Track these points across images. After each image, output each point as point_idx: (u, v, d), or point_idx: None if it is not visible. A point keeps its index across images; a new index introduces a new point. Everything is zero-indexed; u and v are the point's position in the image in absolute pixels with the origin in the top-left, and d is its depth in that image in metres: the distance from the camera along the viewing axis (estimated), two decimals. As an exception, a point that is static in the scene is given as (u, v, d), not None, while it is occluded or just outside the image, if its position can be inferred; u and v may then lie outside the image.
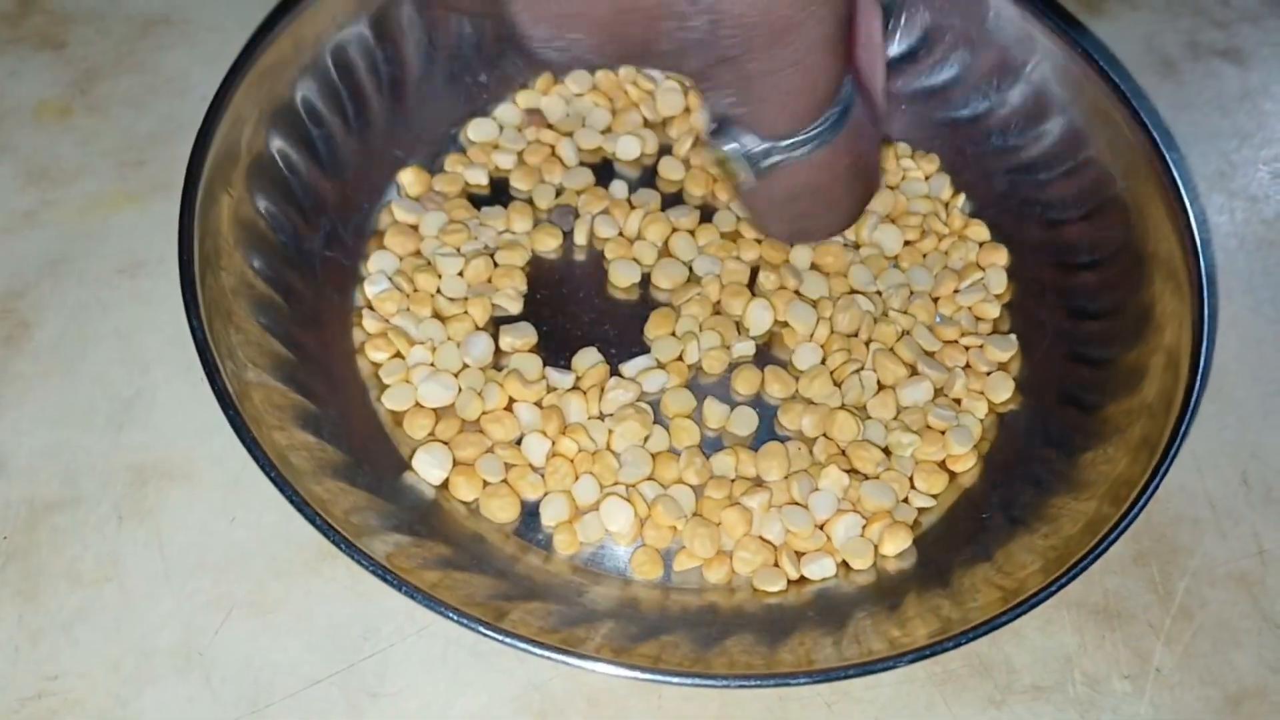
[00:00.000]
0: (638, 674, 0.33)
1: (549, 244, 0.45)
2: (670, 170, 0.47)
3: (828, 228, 0.37)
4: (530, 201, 0.46)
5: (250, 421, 0.35)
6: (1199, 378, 0.38)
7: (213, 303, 0.37)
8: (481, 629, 0.33)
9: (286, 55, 0.42)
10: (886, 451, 0.41)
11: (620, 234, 0.45)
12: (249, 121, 0.41)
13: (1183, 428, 0.37)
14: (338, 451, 0.38)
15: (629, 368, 0.42)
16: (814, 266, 0.45)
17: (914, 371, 0.43)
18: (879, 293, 0.44)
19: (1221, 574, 0.41)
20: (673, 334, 0.43)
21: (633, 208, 0.45)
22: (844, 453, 0.41)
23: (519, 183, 0.46)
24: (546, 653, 0.33)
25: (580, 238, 0.45)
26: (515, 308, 0.43)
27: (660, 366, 0.42)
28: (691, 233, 0.45)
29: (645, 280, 0.44)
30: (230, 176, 0.40)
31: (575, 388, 0.42)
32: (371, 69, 0.45)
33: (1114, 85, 0.44)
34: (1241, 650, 0.39)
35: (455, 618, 0.33)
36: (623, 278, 0.44)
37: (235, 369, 0.36)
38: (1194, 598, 0.40)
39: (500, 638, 0.33)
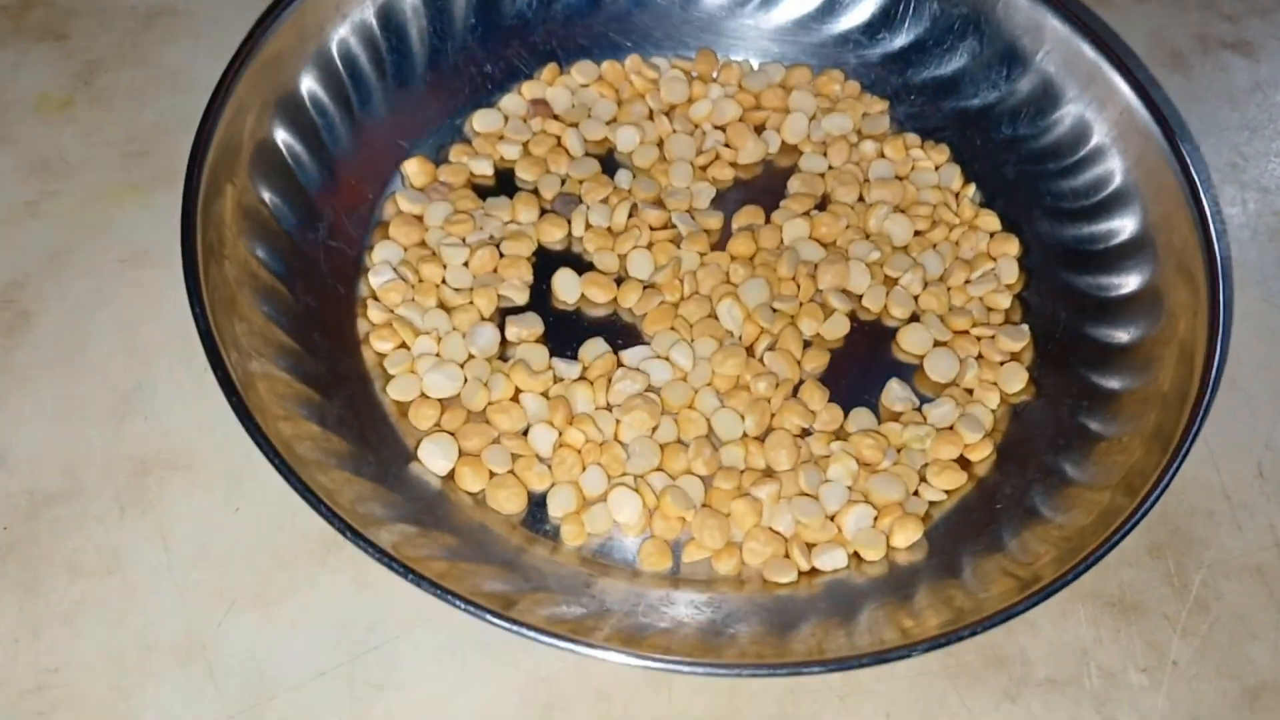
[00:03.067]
0: (648, 663, 0.32)
1: (554, 234, 0.45)
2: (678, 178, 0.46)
3: None
4: (536, 192, 0.45)
5: (255, 411, 0.35)
6: (1215, 370, 0.38)
7: (216, 292, 0.37)
8: (490, 618, 0.32)
9: (290, 45, 0.42)
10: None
11: (608, 229, 0.45)
12: (252, 111, 0.40)
13: (1198, 419, 0.37)
14: (343, 441, 0.38)
15: (630, 356, 0.42)
16: (812, 238, 0.45)
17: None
18: (880, 264, 0.44)
19: (1237, 566, 0.40)
20: (672, 328, 0.42)
21: (632, 197, 0.45)
22: (849, 440, 0.40)
23: (524, 173, 0.46)
24: (556, 641, 0.32)
25: (578, 228, 0.44)
26: (521, 298, 0.43)
27: (662, 357, 0.41)
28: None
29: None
30: (234, 167, 0.39)
31: (582, 378, 0.41)
32: (375, 59, 0.45)
33: (1127, 72, 0.43)
34: (1258, 643, 0.39)
35: (464, 607, 0.32)
36: (604, 269, 0.44)
37: (239, 359, 0.36)
38: (1210, 590, 0.40)
39: (510, 626, 0.32)
